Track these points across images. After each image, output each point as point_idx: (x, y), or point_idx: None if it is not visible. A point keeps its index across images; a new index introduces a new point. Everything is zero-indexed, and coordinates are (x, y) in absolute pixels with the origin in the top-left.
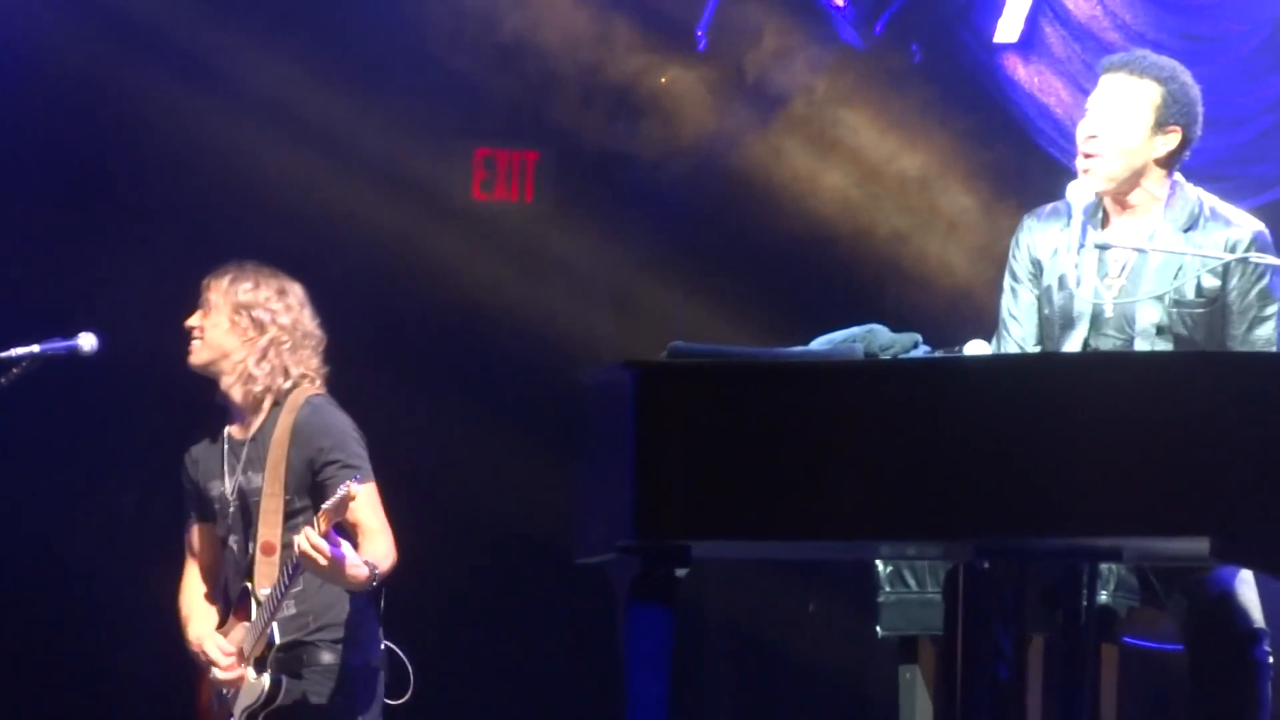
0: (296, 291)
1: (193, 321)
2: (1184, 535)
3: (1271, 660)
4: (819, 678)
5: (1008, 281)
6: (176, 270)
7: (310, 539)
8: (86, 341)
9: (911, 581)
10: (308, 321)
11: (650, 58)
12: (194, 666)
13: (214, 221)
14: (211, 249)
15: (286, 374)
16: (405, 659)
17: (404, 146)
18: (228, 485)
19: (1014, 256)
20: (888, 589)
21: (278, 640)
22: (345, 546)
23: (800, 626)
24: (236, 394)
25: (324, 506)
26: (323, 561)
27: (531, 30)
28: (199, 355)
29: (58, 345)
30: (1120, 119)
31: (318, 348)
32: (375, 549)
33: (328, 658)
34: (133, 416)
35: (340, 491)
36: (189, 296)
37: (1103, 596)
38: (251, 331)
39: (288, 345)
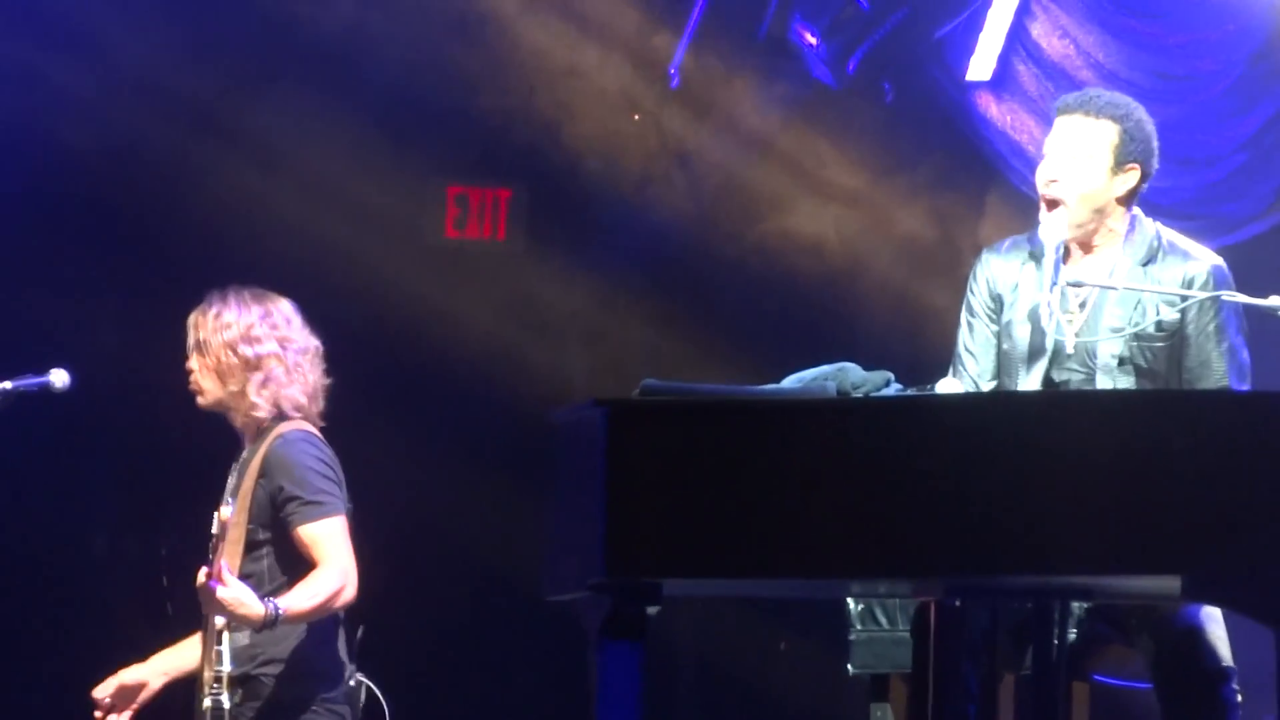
0: (282, 309)
1: (191, 365)
2: (1155, 573)
3: (1240, 699)
4: (790, 715)
5: (965, 316)
6: (150, 307)
7: (200, 577)
8: (59, 378)
9: (883, 619)
10: (298, 336)
11: (622, 95)
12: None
13: (186, 259)
14: (184, 286)
15: (289, 398)
16: (381, 697)
17: (377, 185)
18: (222, 512)
19: (972, 291)
20: (859, 627)
21: (227, 669)
22: (235, 586)
23: (772, 664)
24: (238, 423)
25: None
26: (209, 601)
27: (503, 68)
28: (204, 399)
29: (29, 382)
30: (1080, 162)
31: (315, 359)
32: (310, 586)
33: (271, 691)
34: (104, 453)
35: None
36: (163, 333)
37: (1072, 634)
38: (244, 369)
39: (281, 370)
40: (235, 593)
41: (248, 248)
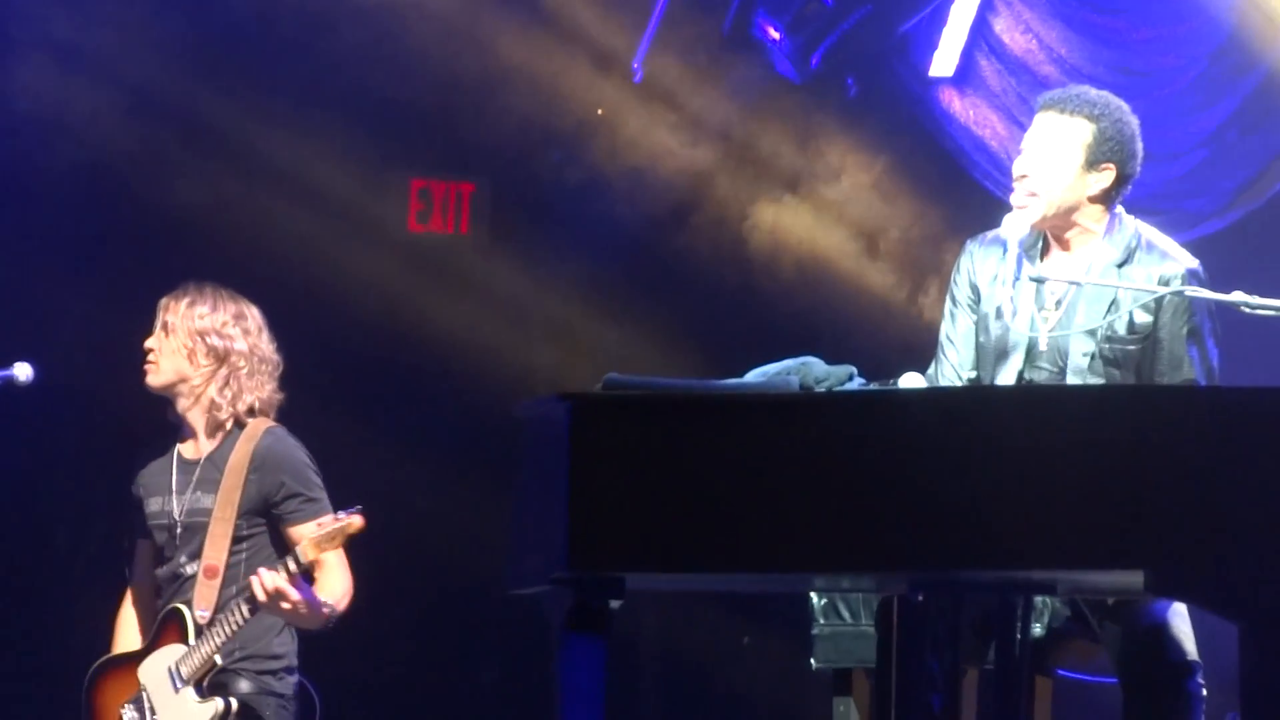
0: (255, 315)
1: (150, 343)
2: (1119, 568)
3: (1205, 692)
4: (753, 710)
5: (948, 305)
6: (114, 300)
7: (273, 582)
8: (22, 371)
9: (845, 614)
10: (265, 346)
11: (587, 90)
12: (92, 686)
13: (151, 251)
14: (149, 279)
15: (246, 401)
16: (315, 694)
17: (340, 178)
18: (175, 504)
19: (955, 281)
20: (822, 621)
21: (220, 664)
22: (306, 590)
23: (734, 658)
24: (194, 416)
25: (314, 537)
26: (285, 606)
27: (468, 62)
28: (156, 378)
29: None
30: (1049, 159)
31: (274, 373)
32: (334, 586)
33: (245, 687)
34: (68, 446)
35: (340, 520)
36: (127, 326)
37: (1036, 629)
38: (210, 359)
39: (245, 371)
40: (307, 596)
41: (212, 241)
